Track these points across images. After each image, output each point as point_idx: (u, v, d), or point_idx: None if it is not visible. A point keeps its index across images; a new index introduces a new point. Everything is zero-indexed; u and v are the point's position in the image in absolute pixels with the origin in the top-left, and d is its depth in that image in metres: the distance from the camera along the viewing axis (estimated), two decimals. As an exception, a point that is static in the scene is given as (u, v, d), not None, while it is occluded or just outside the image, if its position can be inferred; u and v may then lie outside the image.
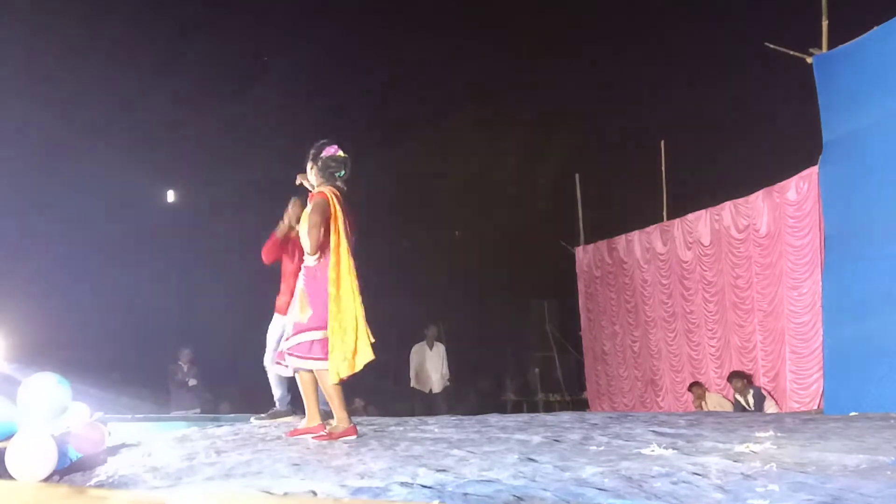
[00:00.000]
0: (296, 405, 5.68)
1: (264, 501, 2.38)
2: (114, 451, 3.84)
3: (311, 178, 4.34)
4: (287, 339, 4.20)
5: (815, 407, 7.53)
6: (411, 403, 10.16)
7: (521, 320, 13.29)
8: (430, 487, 2.50)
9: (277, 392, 5.50)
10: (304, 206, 4.34)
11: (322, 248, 4.10)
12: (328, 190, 4.17)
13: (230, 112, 12.98)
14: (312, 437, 4.02)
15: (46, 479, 3.15)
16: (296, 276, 4.72)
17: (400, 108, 13.90)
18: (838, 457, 2.94)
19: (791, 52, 7.31)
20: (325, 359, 4.01)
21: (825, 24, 7.08)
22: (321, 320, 4.04)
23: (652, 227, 10.89)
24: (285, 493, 2.47)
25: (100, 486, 3.03)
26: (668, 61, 12.65)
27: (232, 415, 8.69)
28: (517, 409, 12.76)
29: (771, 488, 2.36)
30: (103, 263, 11.48)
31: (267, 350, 5.43)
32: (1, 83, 10.38)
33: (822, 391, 7.12)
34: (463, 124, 14.42)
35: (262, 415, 5.54)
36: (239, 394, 11.87)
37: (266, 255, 5.39)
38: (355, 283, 4.07)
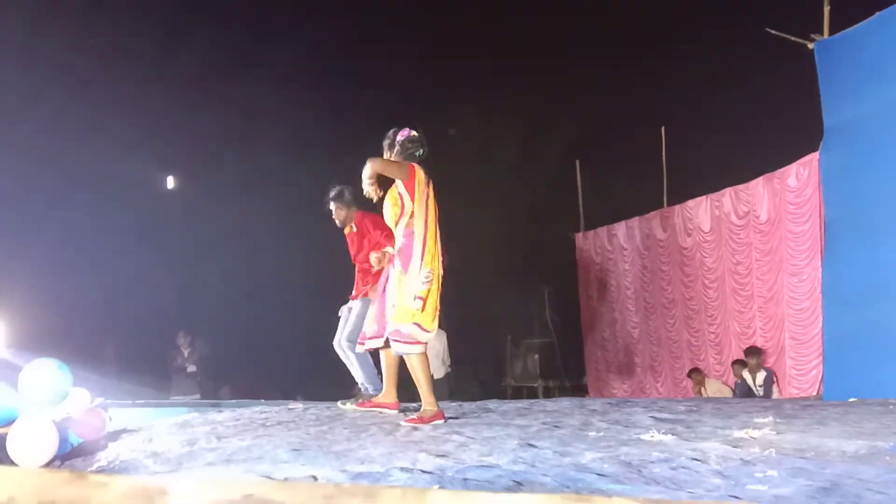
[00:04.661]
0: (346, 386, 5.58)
1: (265, 486, 2.39)
2: (114, 436, 3.84)
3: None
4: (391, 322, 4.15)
5: (815, 393, 7.56)
6: (411, 389, 10.17)
7: (521, 306, 13.26)
8: (430, 473, 2.51)
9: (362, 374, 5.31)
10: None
11: (411, 221, 4.12)
12: (413, 164, 4.19)
13: (231, 98, 12.94)
14: (405, 421, 3.97)
15: (47, 465, 3.16)
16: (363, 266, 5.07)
17: (399, 96, 13.83)
18: (837, 442, 2.95)
19: (792, 38, 7.28)
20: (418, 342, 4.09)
21: (827, 9, 7.06)
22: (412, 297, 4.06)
23: (652, 213, 10.88)
24: (286, 479, 2.48)
25: (100, 471, 3.04)
26: (668, 48, 12.59)
27: (233, 400, 8.70)
28: (517, 395, 12.77)
29: (770, 474, 2.37)
30: (104, 250, 11.46)
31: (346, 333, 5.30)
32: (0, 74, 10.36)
33: (822, 377, 7.15)
34: (462, 111, 14.36)
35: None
36: (240, 380, 11.90)
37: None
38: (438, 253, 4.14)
